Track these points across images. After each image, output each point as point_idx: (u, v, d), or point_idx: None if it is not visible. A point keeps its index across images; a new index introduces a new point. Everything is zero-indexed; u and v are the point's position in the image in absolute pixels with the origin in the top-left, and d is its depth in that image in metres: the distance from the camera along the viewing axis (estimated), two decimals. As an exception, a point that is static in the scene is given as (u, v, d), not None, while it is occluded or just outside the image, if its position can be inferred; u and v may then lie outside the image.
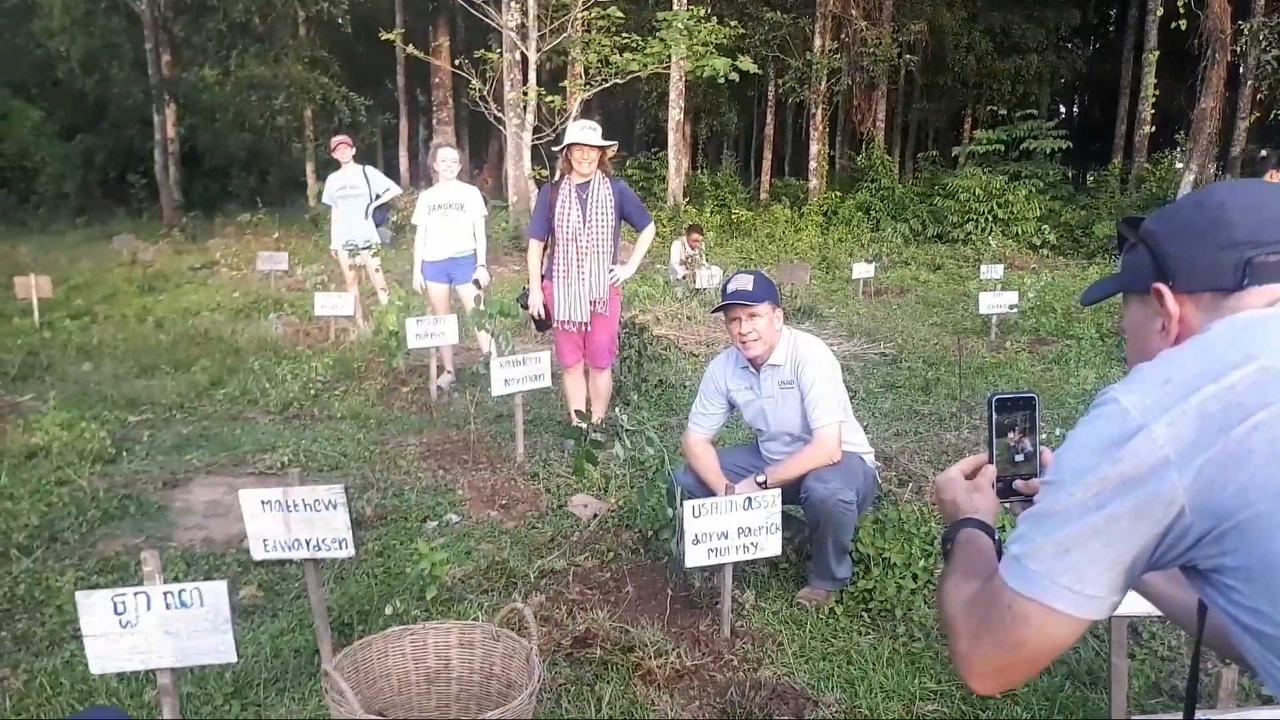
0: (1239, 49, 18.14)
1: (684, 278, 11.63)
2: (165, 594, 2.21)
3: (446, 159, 6.57)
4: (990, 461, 1.35)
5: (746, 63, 10.87)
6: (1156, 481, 0.90)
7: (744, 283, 3.47)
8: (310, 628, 3.02)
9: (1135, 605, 1.60)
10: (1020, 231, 17.91)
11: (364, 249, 7.73)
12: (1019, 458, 1.34)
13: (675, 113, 19.94)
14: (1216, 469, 0.86)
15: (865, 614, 3.30)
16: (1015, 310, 8.98)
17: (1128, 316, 1.21)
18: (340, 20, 20.27)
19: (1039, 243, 17.67)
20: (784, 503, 3.34)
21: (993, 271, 11.49)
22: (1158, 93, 20.84)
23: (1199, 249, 1.08)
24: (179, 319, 9.54)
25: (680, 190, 20.73)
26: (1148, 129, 21.94)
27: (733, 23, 11.29)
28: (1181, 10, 17.00)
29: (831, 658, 3.01)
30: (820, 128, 22.17)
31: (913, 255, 16.54)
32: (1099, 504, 0.93)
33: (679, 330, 8.28)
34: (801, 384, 3.46)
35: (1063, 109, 41.10)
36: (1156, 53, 20.19)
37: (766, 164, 26.89)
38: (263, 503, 2.73)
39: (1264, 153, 7.99)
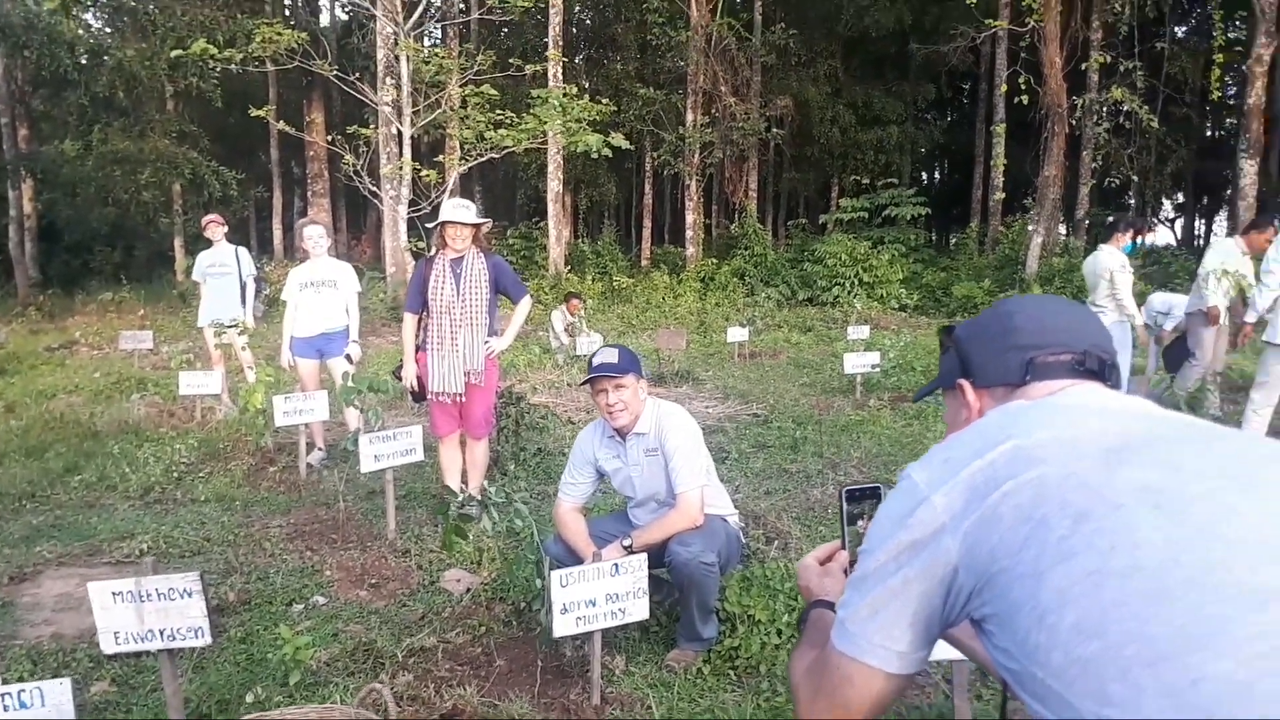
0: (1075, 121, 19.65)
1: (566, 345, 11.76)
2: (4, 696, 2.13)
3: (313, 236, 6.54)
4: (843, 547, 1.48)
5: (619, 139, 11.19)
6: (935, 545, 1.01)
7: (609, 356, 3.59)
8: (166, 722, 2.92)
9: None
10: (885, 294, 18.75)
11: (230, 327, 7.57)
12: None
13: (554, 184, 20.27)
14: (978, 532, 0.97)
15: (731, 672, 3.38)
16: (878, 369, 9.38)
17: (947, 408, 1.38)
18: (210, 95, 19.92)
19: (902, 304, 18.51)
20: (652, 567, 3.44)
21: (859, 333, 11.98)
22: (1007, 161, 22.29)
23: (991, 351, 1.28)
24: (32, 402, 9.08)
25: (561, 259, 20.97)
26: (999, 195, 23.40)
27: (605, 100, 11.61)
28: (1023, 86, 18.36)
29: (697, 717, 3.08)
30: (695, 198, 22.86)
31: (785, 319, 17.10)
32: (896, 567, 1.04)
33: (557, 398, 8.36)
34: (665, 451, 3.58)
35: (925, 176, 43.43)
36: (1004, 124, 21.60)
37: (646, 232, 27.47)
38: (114, 594, 2.66)
39: (1110, 219, 8.70)
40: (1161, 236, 36.13)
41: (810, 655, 1.22)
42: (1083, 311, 1.33)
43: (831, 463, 6.49)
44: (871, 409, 8.40)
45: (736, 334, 12.49)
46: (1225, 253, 7.42)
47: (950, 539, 0.99)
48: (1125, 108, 19.05)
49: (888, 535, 1.06)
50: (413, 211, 10.46)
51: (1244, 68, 17.40)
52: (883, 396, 9.06)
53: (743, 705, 3.12)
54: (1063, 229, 25.16)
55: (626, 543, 3.50)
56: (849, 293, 18.63)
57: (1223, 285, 7.31)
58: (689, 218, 22.89)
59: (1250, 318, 6.16)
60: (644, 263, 25.34)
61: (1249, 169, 16.34)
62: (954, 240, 26.46)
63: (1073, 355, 1.22)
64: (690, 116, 22.50)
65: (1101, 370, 1.23)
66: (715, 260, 22.08)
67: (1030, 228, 19.18)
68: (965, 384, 1.30)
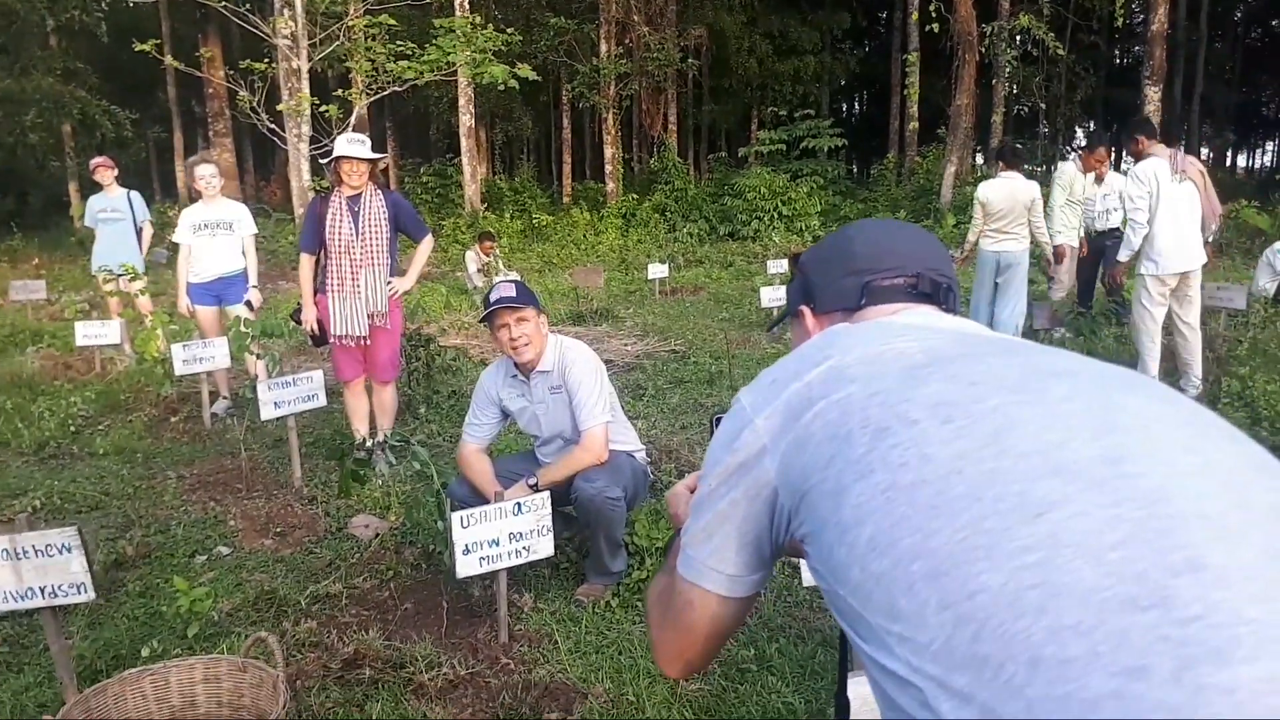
0: (985, 49, 19.85)
1: (481, 286, 11.60)
2: None
3: (205, 175, 6.26)
4: None
5: (526, 70, 10.91)
6: (757, 467, 1.00)
7: (506, 290, 3.53)
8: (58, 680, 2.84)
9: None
10: (804, 227, 18.87)
11: (121, 274, 7.26)
12: None
13: (466, 119, 19.79)
14: (792, 452, 0.96)
15: (640, 604, 3.42)
16: (794, 301, 9.45)
17: (792, 335, 1.35)
18: (95, 29, 18.83)
19: (818, 237, 18.67)
20: (559, 504, 3.43)
21: (777, 266, 12.02)
22: (922, 91, 22.46)
23: (831, 276, 1.26)
24: (-86, 360, 8.63)
25: (478, 196, 20.59)
26: (914, 125, 23.64)
27: (510, 30, 11.29)
28: (934, 14, 18.43)
29: (604, 650, 3.11)
30: (613, 132, 22.58)
31: (706, 254, 17.12)
32: (726, 490, 1.03)
33: (469, 339, 8.25)
34: (569, 388, 3.55)
35: (843, 108, 43.65)
36: (917, 54, 21.69)
37: (566, 168, 27.11)
38: (-13, 553, 2.55)
39: (1018, 145, 8.83)
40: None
41: (664, 581, 1.22)
42: (920, 234, 1.31)
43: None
44: (788, 342, 8.46)
45: (657, 270, 12.47)
46: (1071, 178, 7.63)
47: (770, 460, 0.98)
48: (1034, 35, 19.28)
49: (718, 459, 1.05)
50: (316, 149, 10.08)
51: (1147, -5, 17.72)
52: (798, 328, 9.13)
53: (648, 636, 3.14)
54: (979, 158, 25.63)
55: (531, 481, 3.49)
56: (768, 226, 18.70)
57: (1070, 219, 7.60)
58: (607, 152, 22.62)
59: (1123, 255, 6.24)
60: (565, 199, 25.05)
61: (1152, 95, 16.72)
62: (872, 171, 26.72)
63: (906, 279, 1.21)
64: (604, 47, 22.08)
65: (935, 293, 1.22)
66: (637, 196, 21.92)
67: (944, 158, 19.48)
68: (805, 310, 1.29)
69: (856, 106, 45.96)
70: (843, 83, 33.95)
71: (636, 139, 28.41)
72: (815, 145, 22.62)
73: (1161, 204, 5.81)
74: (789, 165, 22.10)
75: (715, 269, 15.27)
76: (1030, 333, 7.64)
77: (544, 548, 3.23)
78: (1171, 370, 6.15)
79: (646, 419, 5.96)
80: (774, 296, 9.14)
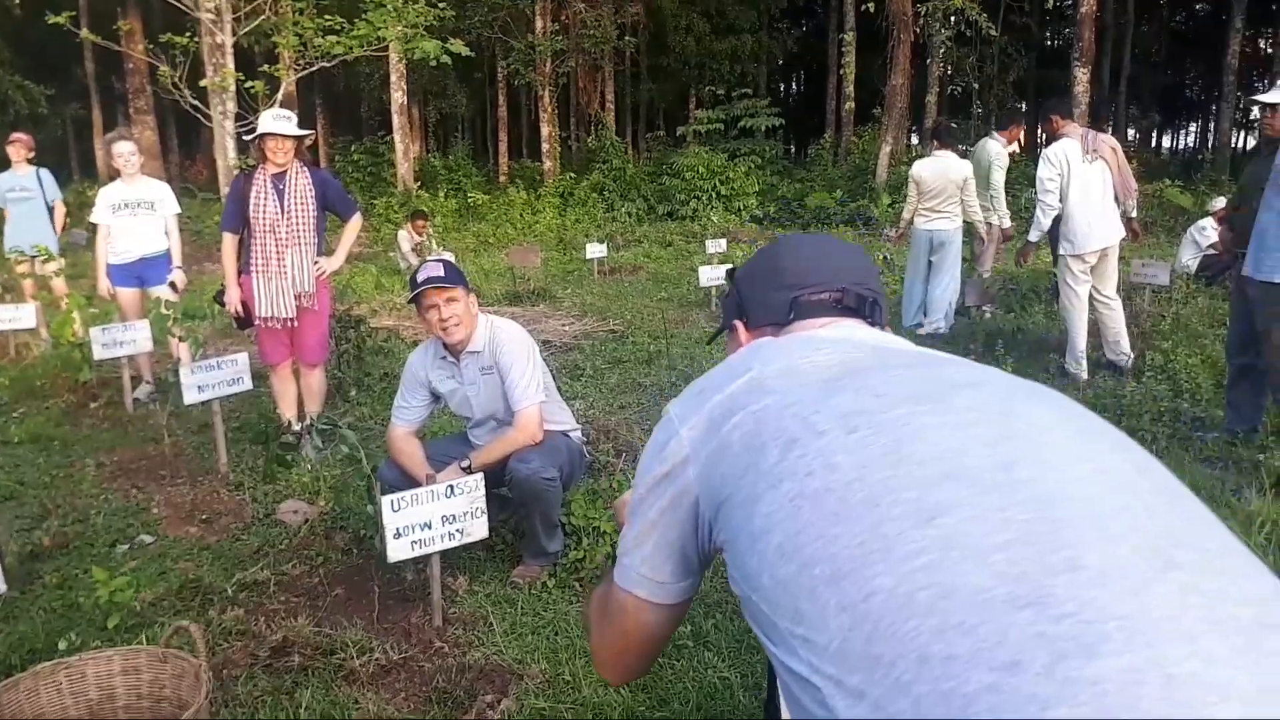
0: (920, 30, 20.05)
1: (414, 266, 11.41)
2: None
3: (124, 153, 6.03)
4: None
5: (458, 45, 10.70)
6: (681, 477, 1.03)
7: (434, 269, 3.46)
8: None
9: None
10: (741, 207, 18.91)
11: (34, 256, 6.98)
12: None
13: (398, 95, 19.43)
14: (712, 462, 1.00)
15: (577, 583, 3.40)
16: (732, 281, 9.45)
17: (727, 348, 1.39)
18: (8, 2, 18.03)
19: (756, 216, 18.75)
20: (494, 486, 3.39)
21: (716, 246, 12.04)
22: (858, 71, 22.63)
23: (762, 292, 1.31)
24: None
25: (411, 175, 20.24)
26: (850, 105, 23.81)
27: (442, 4, 11.06)
28: (868, -6, 18.57)
29: (540, 631, 3.09)
30: (549, 110, 22.34)
31: (645, 233, 17.06)
32: (654, 500, 1.07)
33: (402, 320, 8.10)
34: (501, 368, 3.50)
35: (781, 87, 43.84)
36: (853, 33, 21.85)
37: (503, 146, 26.81)
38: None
39: (954, 124, 8.90)
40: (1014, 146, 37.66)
41: (604, 590, 1.24)
42: (848, 250, 1.36)
43: (685, 375, 6.55)
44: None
45: (595, 250, 12.38)
46: (995, 154, 7.70)
47: (693, 469, 1.02)
48: (968, 16, 19.52)
49: (647, 469, 1.09)
50: (241, 127, 9.79)
51: (1076, -23, 17.97)
52: (736, 307, 9.15)
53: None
54: (915, 138, 25.95)
55: (464, 463, 3.43)
56: (706, 206, 18.71)
57: (999, 201, 7.68)
58: (544, 130, 22.38)
59: (1033, 236, 6.34)
60: (501, 178, 24.77)
61: (1081, 76, 17.06)
62: (810, 151, 26.88)
63: (833, 294, 1.26)
64: (540, 23, 21.80)
65: (861, 307, 1.27)
66: (574, 175, 21.74)
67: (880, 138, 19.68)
68: (739, 325, 1.34)
69: (794, 86, 46.20)
70: (780, 62, 34.16)
71: (574, 117, 28.20)
72: (753, 125, 22.64)
73: (1073, 184, 5.91)
74: (727, 145, 22.11)
75: (654, 248, 15.24)
76: (962, 309, 7.77)
77: (478, 530, 3.19)
78: (1099, 345, 6.29)
79: (585, 399, 5.92)
80: (712, 276, 9.14)
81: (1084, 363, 6.08)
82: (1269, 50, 33.66)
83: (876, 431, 0.86)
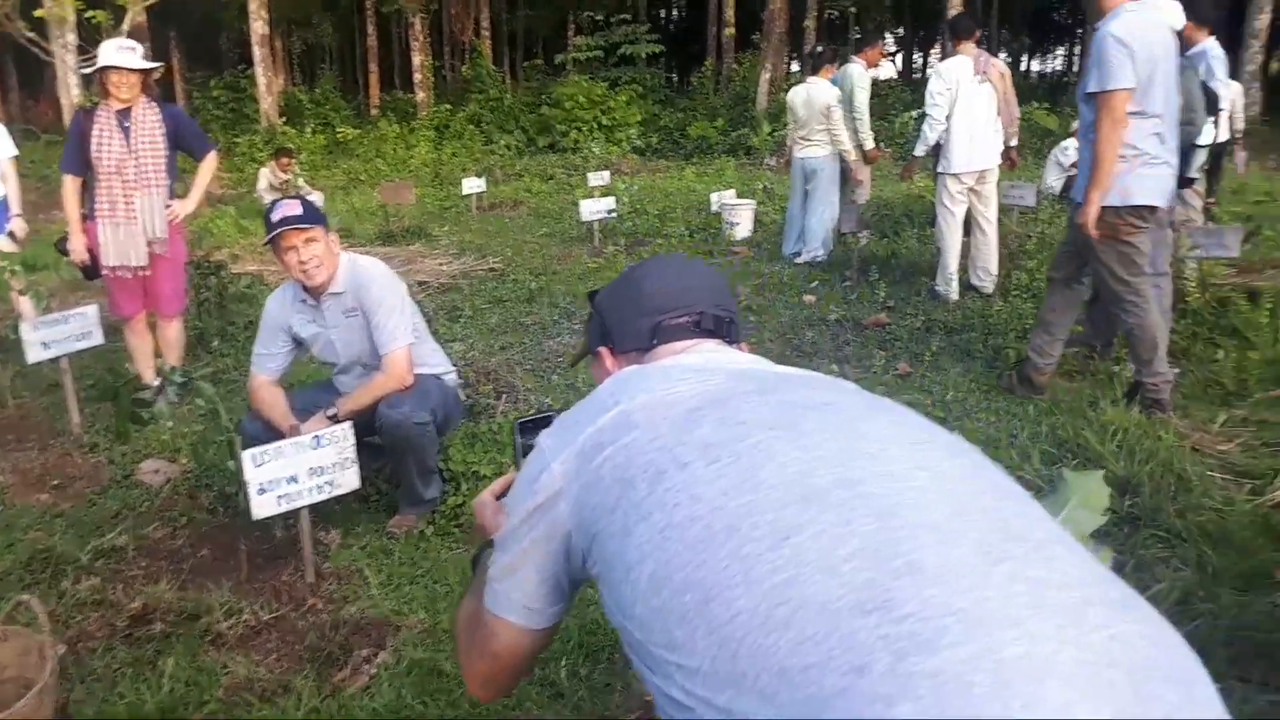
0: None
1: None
2: None
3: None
4: None
5: (319, -30, 10.13)
6: (555, 510, 1.06)
7: (291, 208, 3.27)
8: None
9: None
10: (624, 137, 18.71)
11: None
12: None
13: (258, 25, 18.38)
14: (583, 496, 1.03)
15: (456, 530, 3.34)
16: (614, 215, 9.37)
17: (593, 373, 1.41)
18: None
19: (637, 147, 18.57)
20: (365, 434, 3.27)
21: (599, 179, 11.88)
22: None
23: (624, 317, 1.34)
24: None
25: (275, 110, 19.28)
26: (730, 32, 23.68)
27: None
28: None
29: (418, 580, 3.02)
30: (420, 38, 21.49)
31: (525, 167, 16.72)
32: (527, 530, 1.09)
33: (266, 265, 7.73)
34: (365, 309, 3.35)
35: (662, 14, 43.26)
36: (730, -45, 21.61)
37: (373, 78, 25.74)
38: None
39: (818, 49, 8.83)
40: (885, 70, 38.10)
41: (472, 605, 1.26)
42: (704, 272, 1.39)
43: (567, 312, 6.48)
44: (609, 255, 8.44)
45: (472, 185, 12.07)
46: (857, 76, 7.71)
47: (564, 504, 1.05)
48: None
49: (520, 499, 1.11)
50: (85, 62, 9.07)
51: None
52: (619, 242, 9.11)
53: (463, 561, 3.08)
54: (796, 65, 26.01)
55: (331, 412, 3.29)
56: (588, 137, 18.43)
57: (863, 124, 7.70)
58: (416, 60, 21.56)
59: (918, 151, 6.45)
60: (372, 111, 23.82)
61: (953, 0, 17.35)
62: (691, 80, 26.64)
63: (691, 317, 1.31)
64: (410, -54, 20.85)
65: (719, 328, 1.32)
66: (450, 107, 21.05)
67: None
68: (604, 351, 1.37)
69: (675, 12, 45.62)
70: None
71: (448, 46, 27.26)
72: (633, 52, 22.27)
73: (960, 103, 6.00)
74: (607, 73, 21.74)
75: (535, 182, 14.96)
76: (838, 237, 7.87)
77: (348, 481, 3.08)
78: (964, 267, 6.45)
79: (464, 341, 5.79)
80: (594, 210, 9.02)
81: (954, 284, 6.24)
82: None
83: (735, 460, 0.91)
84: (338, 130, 19.48)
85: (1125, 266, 4.01)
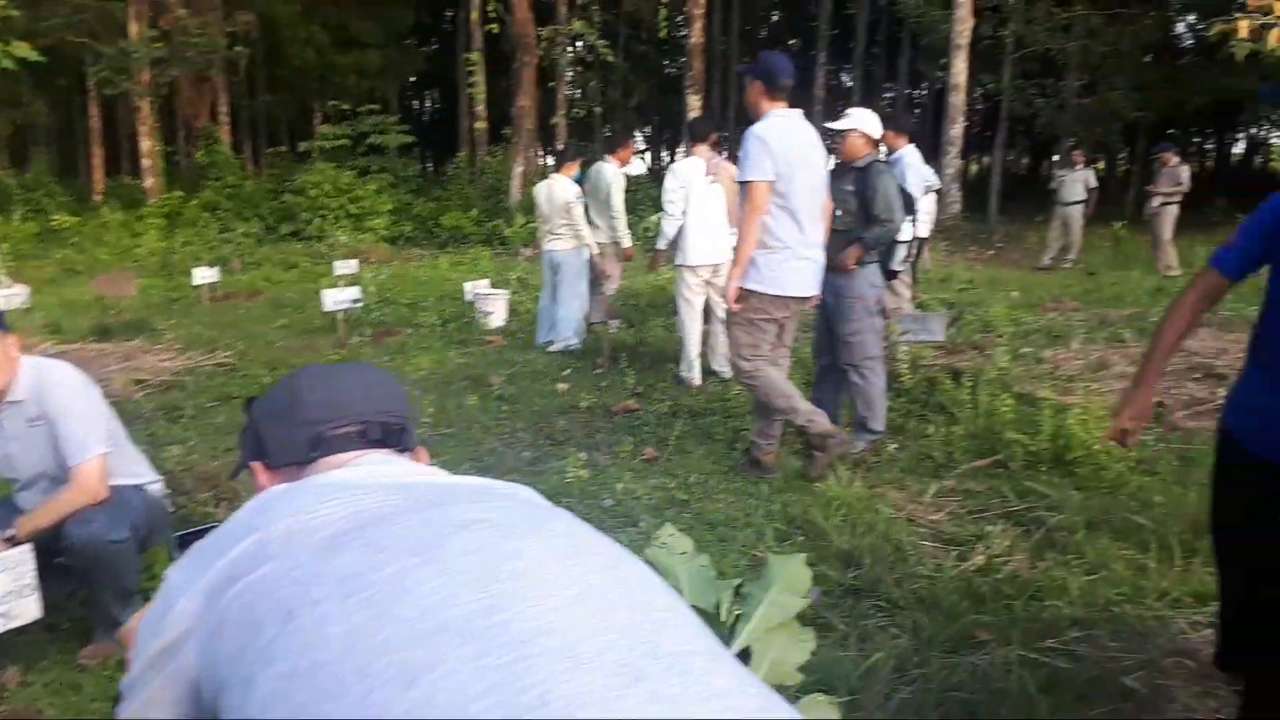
0: (544, 53, 20.66)
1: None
2: None
3: None
4: None
5: (25, 49, 9.31)
6: (181, 654, 0.95)
7: (-41, 307, 2.88)
8: None
9: None
10: (374, 226, 18.35)
11: None
12: None
13: (-44, 103, 16.62)
14: (209, 640, 0.91)
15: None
16: (360, 304, 9.07)
17: (255, 488, 1.27)
18: None
19: (394, 235, 18.28)
20: (54, 556, 2.89)
21: (346, 267, 11.50)
22: (488, 91, 22.79)
23: (281, 429, 1.22)
24: None
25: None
26: (481, 124, 23.99)
27: (5, 2, 9.58)
28: (493, 15, 18.82)
29: (110, 715, 2.66)
30: (148, 123, 20.22)
31: (266, 255, 15.95)
32: (151, 677, 0.98)
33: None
34: (50, 418, 2.99)
35: (414, 104, 43.31)
36: (480, 53, 21.97)
37: (97, 161, 23.88)
38: None
39: (561, 148, 9.08)
40: (636, 167, 39.70)
41: None
42: (373, 378, 1.31)
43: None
44: (353, 346, 8.15)
45: (204, 275, 11.31)
46: (612, 176, 8.02)
47: (191, 647, 0.94)
48: (588, 42, 20.43)
49: (145, 641, 1.00)
50: None
51: (685, 10, 19.39)
52: (365, 333, 8.83)
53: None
54: (550, 159, 26.67)
55: (9, 533, 2.88)
56: (334, 225, 17.92)
57: (620, 222, 7.99)
58: (144, 145, 20.23)
59: (660, 244, 6.75)
60: (97, 197, 22.03)
61: (694, 102, 18.50)
62: (446, 170, 26.62)
63: (356, 426, 1.22)
64: (134, 28, 19.63)
65: (387, 436, 1.24)
66: (183, 193, 19.82)
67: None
68: (256, 466, 1.25)
69: (428, 104, 45.86)
70: (412, 79, 33.63)
71: (182, 130, 25.81)
72: (383, 142, 22.01)
73: (693, 202, 6.33)
74: (356, 162, 21.32)
75: (276, 271, 14.27)
76: (589, 326, 8.01)
77: (27, 611, 2.70)
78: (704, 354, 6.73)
79: (184, 443, 5.32)
80: (338, 299, 8.65)
81: (696, 369, 6.49)
82: (849, 84, 38.50)
83: (371, 594, 0.84)
84: (52, 217, 17.81)
85: (750, 346, 4.52)
